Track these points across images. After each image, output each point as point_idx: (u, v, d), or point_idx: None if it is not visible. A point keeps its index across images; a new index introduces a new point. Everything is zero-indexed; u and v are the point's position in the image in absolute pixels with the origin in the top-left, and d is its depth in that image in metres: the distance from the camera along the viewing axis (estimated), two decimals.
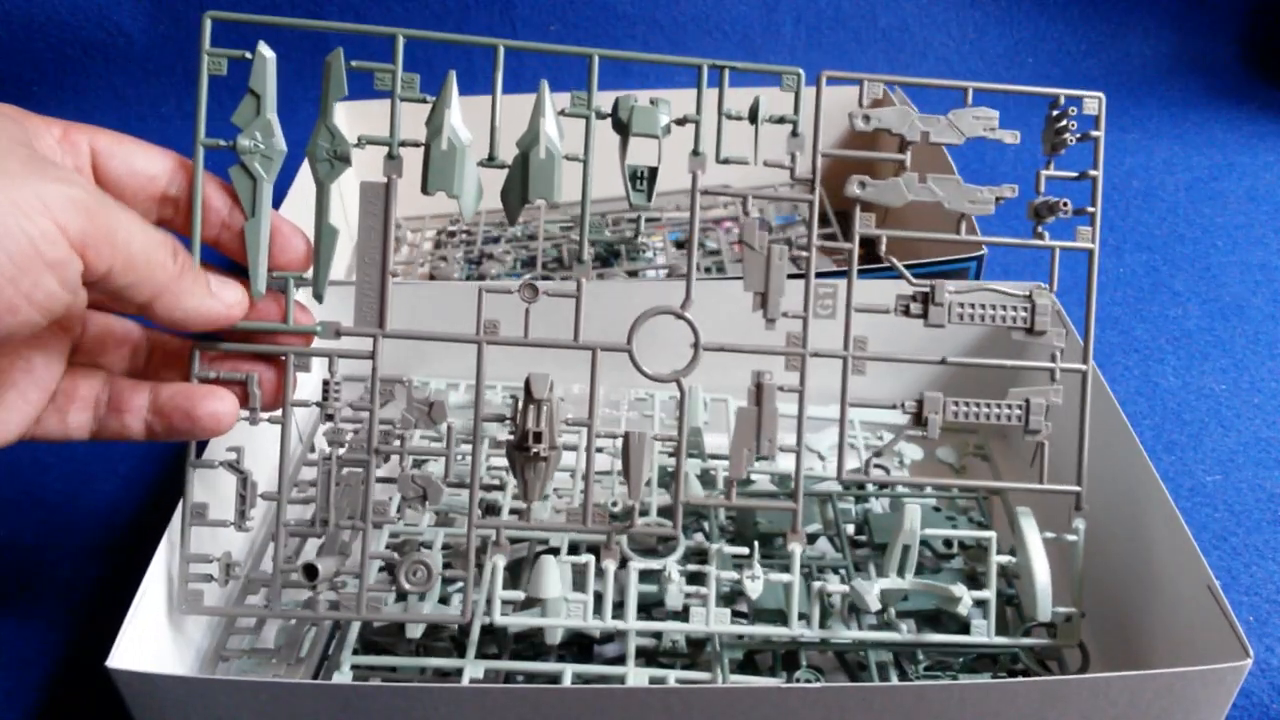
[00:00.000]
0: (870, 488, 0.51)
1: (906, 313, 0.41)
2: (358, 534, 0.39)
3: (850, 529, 0.48)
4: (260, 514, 0.47)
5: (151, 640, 0.37)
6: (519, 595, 0.40)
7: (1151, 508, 0.42)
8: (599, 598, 0.40)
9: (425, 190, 0.37)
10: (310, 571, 0.38)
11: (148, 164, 0.35)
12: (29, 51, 1.03)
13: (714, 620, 0.39)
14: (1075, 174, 0.42)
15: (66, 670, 0.47)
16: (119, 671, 0.34)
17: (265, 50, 0.36)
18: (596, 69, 0.38)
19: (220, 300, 0.35)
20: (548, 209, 0.79)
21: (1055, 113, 0.41)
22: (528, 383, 0.38)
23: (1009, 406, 0.41)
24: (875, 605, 0.39)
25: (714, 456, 0.53)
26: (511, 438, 0.39)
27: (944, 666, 0.43)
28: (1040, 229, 0.41)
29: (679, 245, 0.75)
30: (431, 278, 0.75)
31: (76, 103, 1.04)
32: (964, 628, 0.45)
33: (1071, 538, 0.42)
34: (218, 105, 0.37)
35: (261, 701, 0.36)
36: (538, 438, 0.38)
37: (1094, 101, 0.41)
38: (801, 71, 0.39)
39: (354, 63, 0.37)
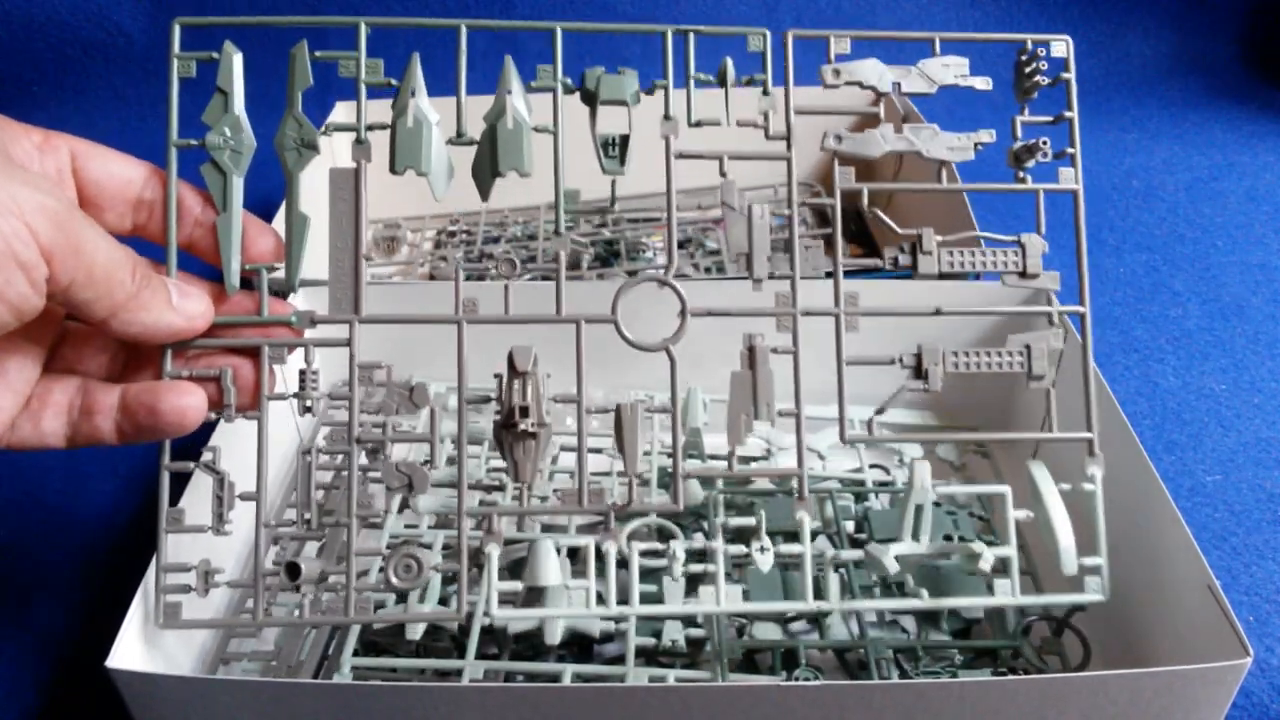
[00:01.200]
0: (870, 484, 0.52)
1: (895, 265, 0.40)
2: (359, 530, 0.38)
3: (850, 526, 0.48)
4: (252, 514, 0.46)
5: (151, 640, 0.37)
6: (517, 585, 0.39)
7: (1151, 508, 0.42)
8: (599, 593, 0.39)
9: (393, 168, 0.38)
10: (293, 570, 0.36)
11: (124, 169, 0.36)
12: (29, 51, 1.03)
13: (725, 599, 0.38)
14: (1051, 118, 0.42)
15: (66, 670, 0.47)
16: (119, 672, 0.34)
17: (231, 49, 0.37)
18: (560, 42, 0.39)
19: (180, 313, 0.35)
20: (547, 210, 0.79)
21: (1024, 57, 0.42)
22: (510, 356, 0.38)
23: (1010, 354, 0.40)
24: (894, 567, 0.38)
25: (714, 457, 0.53)
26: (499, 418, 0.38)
27: (943, 660, 0.42)
28: (1022, 174, 0.41)
29: (680, 245, 0.75)
30: (431, 278, 0.75)
31: (76, 103, 1.04)
32: (965, 627, 0.45)
33: (1089, 487, 0.40)
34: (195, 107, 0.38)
35: (262, 702, 0.36)
36: (524, 412, 0.37)
37: (1061, 44, 0.41)
38: (767, 31, 0.39)
39: (317, 53, 0.38)
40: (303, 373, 0.38)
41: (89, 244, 0.31)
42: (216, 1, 1.05)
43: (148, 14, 1.04)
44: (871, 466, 0.54)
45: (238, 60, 0.37)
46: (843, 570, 0.44)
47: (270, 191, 0.42)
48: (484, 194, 0.38)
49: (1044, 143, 0.40)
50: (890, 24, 1.17)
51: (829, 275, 0.40)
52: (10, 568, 0.52)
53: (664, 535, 0.47)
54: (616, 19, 1.12)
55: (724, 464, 0.53)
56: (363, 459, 0.39)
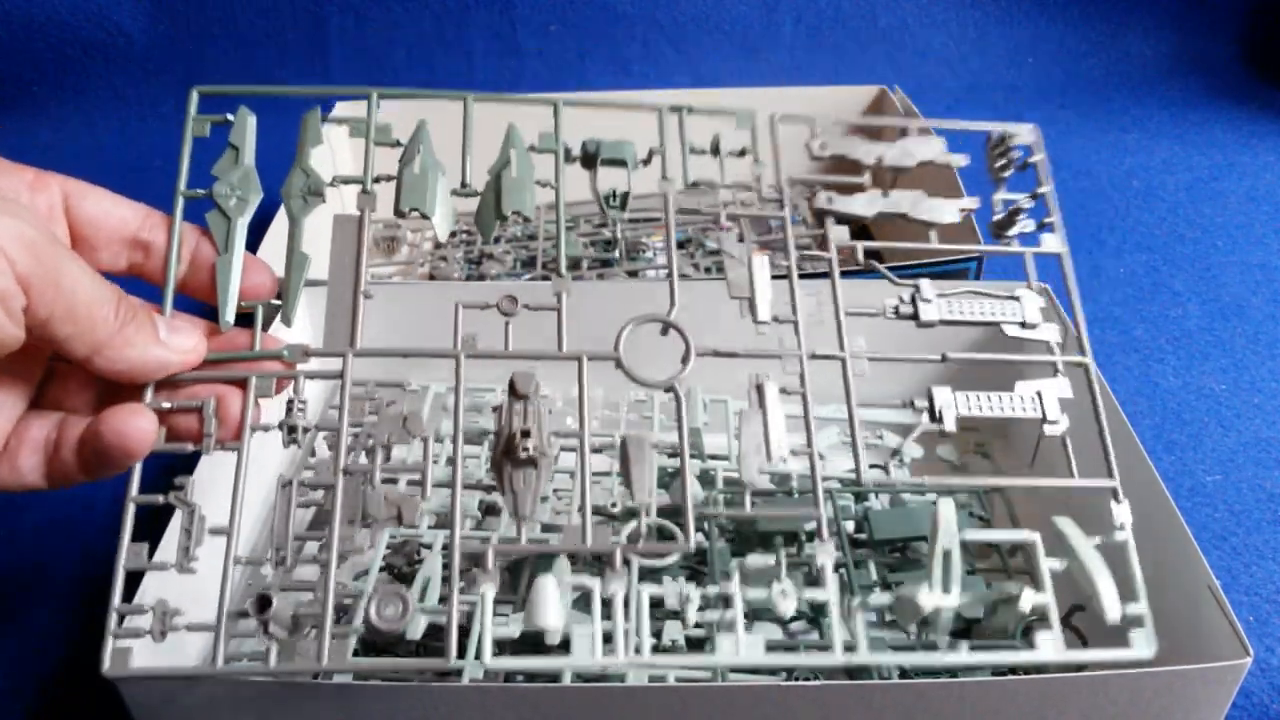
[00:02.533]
0: (869, 484, 0.51)
1: (897, 314, 0.41)
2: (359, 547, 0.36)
3: (850, 526, 0.48)
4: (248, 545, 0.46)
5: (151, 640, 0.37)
6: (513, 633, 0.37)
7: (1151, 508, 0.42)
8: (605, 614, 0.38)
9: (398, 209, 0.38)
10: (263, 603, 0.33)
11: (118, 208, 0.35)
12: (29, 51, 1.03)
13: (745, 649, 0.34)
14: (1027, 194, 0.43)
15: (66, 670, 0.47)
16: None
17: (245, 113, 0.38)
18: (561, 116, 0.40)
19: (170, 349, 0.34)
20: (547, 210, 0.79)
21: (993, 145, 0.43)
22: (512, 381, 0.37)
23: (1023, 399, 0.40)
24: (929, 608, 0.35)
25: (713, 457, 0.53)
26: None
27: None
28: (1007, 238, 0.43)
29: (680, 245, 0.75)
30: (431, 278, 0.75)
31: (76, 103, 1.04)
32: (965, 628, 0.45)
33: (1121, 536, 0.38)
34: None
35: (262, 702, 0.36)
36: (525, 435, 0.36)
37: (1028, 132, 0.43)
38: (755, 110, 0.41)
39: (328, 116, 0.39)
40: (290, 403, 0.37)
41: (69, 277, 0.30)
42: (217, 3, 1.05)
43: (148, 14, 1.04)
44: (871, 467, 0.54)
45: (251, 122, 0.38)
46: (842, 570, 0.44)
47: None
48: (486, 237, 0.40)
49: (1020, 209, 0.42)
50: (890, 23, 1.17)
51: (826, 275, 0.41)
52: (10, 568, 0.52)
53: (663, 534, 0.47)
54: (615, 18, 1.12)
55: (725, 478, 0.53)
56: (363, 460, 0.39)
